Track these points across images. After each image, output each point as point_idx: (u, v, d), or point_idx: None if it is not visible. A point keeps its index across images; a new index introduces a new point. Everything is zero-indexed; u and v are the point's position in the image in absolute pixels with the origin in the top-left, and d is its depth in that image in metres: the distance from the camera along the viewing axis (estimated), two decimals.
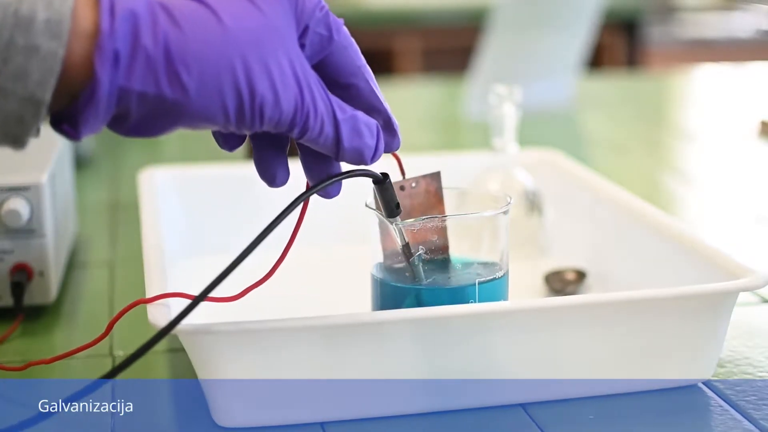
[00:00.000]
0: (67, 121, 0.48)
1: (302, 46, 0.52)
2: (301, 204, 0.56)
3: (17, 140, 0.47)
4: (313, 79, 0.51)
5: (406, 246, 0.61)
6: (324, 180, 0.56)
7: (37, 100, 0.46)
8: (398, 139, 0.55)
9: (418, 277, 0.61)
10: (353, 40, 0.54)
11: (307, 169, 0.56)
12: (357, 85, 0.54)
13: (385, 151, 0.55)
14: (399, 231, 0.61)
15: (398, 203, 0.60)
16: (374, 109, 0.54)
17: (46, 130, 0.49)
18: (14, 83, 0.45)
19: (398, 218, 0.60)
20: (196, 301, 0.53)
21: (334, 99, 0.52)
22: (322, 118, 0.51)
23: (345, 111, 0.52)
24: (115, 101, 0.47)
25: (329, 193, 0.57)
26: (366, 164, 0.54)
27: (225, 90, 0.48)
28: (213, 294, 0.53)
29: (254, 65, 0.49)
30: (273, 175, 0.56)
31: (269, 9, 0.50)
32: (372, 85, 0.54)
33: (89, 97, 0.47)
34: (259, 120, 0.49)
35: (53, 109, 0.48)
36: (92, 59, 0.46)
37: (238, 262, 0.53)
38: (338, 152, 0.53)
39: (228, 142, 0.55)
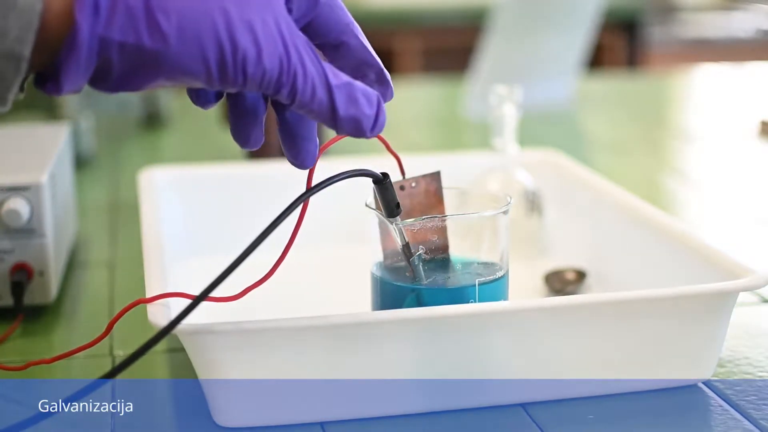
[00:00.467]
0: (50, 79, 0.48)
1: (289, 10, 0.51)
2: (302, 203, 0.56)
3: (0, 98, 0.47)
4: (301, 41, 0.50)
5: (406, 246, 0.61)
6: (325, 181, 0.56)
7: (17, 56, 0.46)
8: (391, 89, 0.55)
9: (418, 276, 0.61)
10: None
11: (284, 141, 0.56)
12: (347, 42, 0.54)
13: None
14: (399, 231, 0.61)
15: (398, 203, 0.60)
16: (367, 63, 0.54)
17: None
18: None
19: (398, 218, 0.60)
20: (196, 301, 0.53)
21: (328, 66, 0.52)
22: (312, 81, 0.50)
23: (339, 77, 0.52)
24: (96, 52, 0.47)
25: (304, 163, 0.56)
26: (365, 136, 0.53)
27: (205, 41, 0.48)
28: (213, 294, 0.53)
29: (236, 19, 0.48)
30: (247, 137, 0.55)
31: None
32: (362, 39, 0.54)
33: (70, 48, 0.47)
34: (242, 76, 0.49)
35: (36, 68, 0.48)
36: (71, 11, 0.46)
37: (238, 263, 0.53)
38: (335, 121, 0.52)
39: (200, 97, 0.54)
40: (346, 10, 0.54)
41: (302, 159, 0.56)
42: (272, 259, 0.58)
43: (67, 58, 0.47)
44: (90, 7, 0.46)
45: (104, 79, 0.49)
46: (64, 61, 0.47)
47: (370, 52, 0.54)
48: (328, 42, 0.53)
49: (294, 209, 0.55)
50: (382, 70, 0.54)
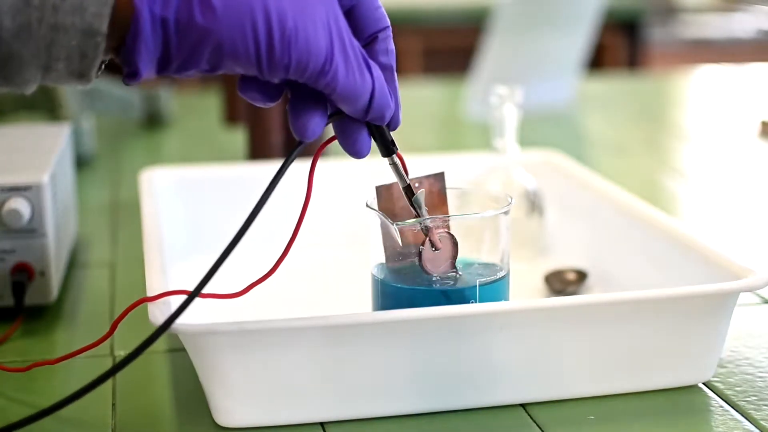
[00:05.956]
0: (126, 66, 0.51)
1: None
2: (304, 201, 0.56)
3: (83, 76, 0.50)
4: (346, 33, 0.53)
5: (407, 188, 0.60)
6: (293, 150, 0.56)
7: (95, 31, 0.49)
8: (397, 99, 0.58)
9: (420, 215, 0.61)
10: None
11: (341, 138, 0.57)
12: (378, 42, 0.56)
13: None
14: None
15: (393, 140, 0.59)
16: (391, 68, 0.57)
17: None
18: (73, 17, 0.48)
19: (394, 155, 0.60)
20: (188, 300, 0.52)
21: (366, 56, 0.54)
22: (353, 73, 0.53)
23: (376, 68, 0.55)
24: (159, 35, 0.50)
25: (359, 152, 0.57)
26: (383, 123, 0.56)
27: (255, 17, 0.50)
28: (217, 291, 0.53)
29: (285, 3, 0.51)
30: (304, 125, 0.55)
31: None
32: (390, 45, 0.57)
33: (135, 30, 0.49)
34: (287, 57, 0.51)
35: (109, 48, 0.50)
36: None
37: (224, 257, 0.53)
38: (371, 104, 0.55)
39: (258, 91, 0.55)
40: (383, 11, 0.56)
41: (359, 148, 0.57)
42: (274, 256, 0.58)
43: (134, 40, 0.49)
44: None
45: (169, 62, 0.51)
46: (133, 44, 0.50)
47: (394, 60, 0.57)
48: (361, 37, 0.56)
49: (280, 179, 0.55)
50: (394, 79, 0.57)
